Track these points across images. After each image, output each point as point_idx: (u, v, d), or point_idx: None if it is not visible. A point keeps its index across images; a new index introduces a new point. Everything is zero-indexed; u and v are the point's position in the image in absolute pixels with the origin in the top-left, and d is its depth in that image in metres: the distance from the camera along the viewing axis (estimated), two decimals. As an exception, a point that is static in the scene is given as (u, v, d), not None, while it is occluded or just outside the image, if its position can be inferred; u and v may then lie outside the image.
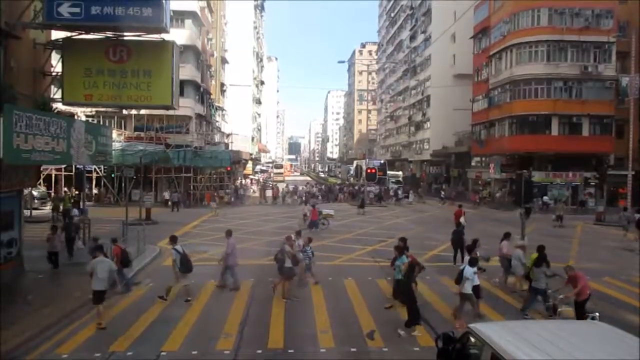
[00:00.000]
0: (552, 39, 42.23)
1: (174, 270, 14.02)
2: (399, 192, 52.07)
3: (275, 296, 14.19)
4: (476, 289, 12.38)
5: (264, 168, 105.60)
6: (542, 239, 24.15)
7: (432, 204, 48.31)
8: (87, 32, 19.19)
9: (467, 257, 13.35)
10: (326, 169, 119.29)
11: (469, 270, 12.19)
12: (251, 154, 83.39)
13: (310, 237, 17.02)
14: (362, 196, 43.62)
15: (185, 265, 13.95)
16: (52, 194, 35.52)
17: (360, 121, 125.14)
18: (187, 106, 42.18)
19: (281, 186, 54.21)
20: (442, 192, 51.52)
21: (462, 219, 24.03)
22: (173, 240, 14.40)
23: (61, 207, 29.56)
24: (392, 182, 62.12)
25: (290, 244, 15.05)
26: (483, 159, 53.32)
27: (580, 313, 11.37)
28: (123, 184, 36.74)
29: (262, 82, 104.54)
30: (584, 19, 41.87)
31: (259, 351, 10.34)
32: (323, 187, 63.50)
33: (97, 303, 11.84)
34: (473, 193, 46.98)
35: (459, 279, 12.33)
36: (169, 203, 38.04)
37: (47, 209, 33.04)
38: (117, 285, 13.80)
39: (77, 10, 17.23)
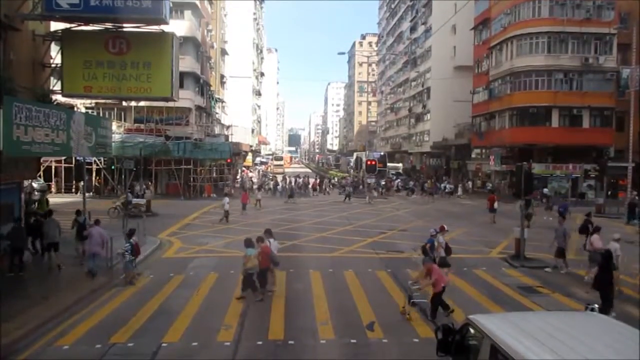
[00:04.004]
0: (552, 31, 42.03)
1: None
2: (447, 185, 50.74)
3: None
4: None
5: (264, 160, 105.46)
6: (542, 231, 24.29)
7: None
8: (86, 24, 19.17)
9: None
10: (334, 161, 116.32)
11: None
12: (251, 146, 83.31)
13: (132, 231, 15.81)
14: (289, 186, 44.45)
15: (79, 234, 16.98)
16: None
17: (360, 113, 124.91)
18: (186, 98, 42.04)
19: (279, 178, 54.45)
20: (489, 185, 49.35)
21: (495, 204, 29.17)
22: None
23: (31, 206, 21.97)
24: (392, 173, 62.19)
25: (442, 235, 15.10)
26: (483, 150, 53.30)
27: (435, 305, 11.77)
28: (123, 176, 36.75)
29: (262, 74, 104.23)
30: (585, 10, 41.64)
31: (260, 342, 10.38)
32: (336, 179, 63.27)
33: (48, 251, 15.93)
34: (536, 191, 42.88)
35: None
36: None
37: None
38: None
39: (76, 1, 17.23)
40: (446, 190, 48.35)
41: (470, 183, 53.24)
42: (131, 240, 14.96)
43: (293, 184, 47.05)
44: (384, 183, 50.59)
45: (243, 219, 28.70)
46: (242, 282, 13.35)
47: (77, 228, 17.30)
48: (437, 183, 51.77)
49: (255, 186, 46.58)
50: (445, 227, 16.11)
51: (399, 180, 57.07)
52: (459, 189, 48.57)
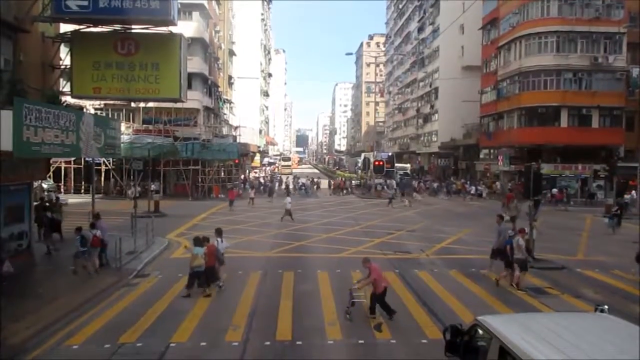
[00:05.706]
0: (561, 30, 41.78)
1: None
2: (477, 187, 48.45)
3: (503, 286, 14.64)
4: None
5: (272, 160, 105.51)
6: (551, 232, 24.18)
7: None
8: (95, 25, 19.30)
9: None
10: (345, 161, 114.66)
11: None
12: (259, 147, 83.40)
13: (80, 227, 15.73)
14: (270, 185, 47.34)
15: (48, 229, 18.45)
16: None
17: (368, 113, 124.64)
18: (195, 99, 42.24)
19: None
20: (510, 184, 46.08)
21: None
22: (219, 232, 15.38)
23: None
24: (400, 174, 62.04)
25: (522, 236, 15.09)
26: (491, 151, 53.05)
27: (373, 303, 11.74)
28: (132, 177, 36.93)
29: (270, 75, 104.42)
30: (594, 9, 41.37)
31: (267, 343, 10.39)
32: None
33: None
34: (559, 192, 40.06)
35: None
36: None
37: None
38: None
39: (85, 3, 17.35)
40: (472, 193, 46.67)
41: (498, 184, 50.10)
42: (82, 232, 15.33)
43: (271, 183, 50.20)
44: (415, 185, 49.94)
45: (252, 220, 28.73)
46: (187, 280, 13.75)
47: (48, 223, 18.58)
48: (466, 184, 50.10)
49: (247, 186, 47.96)
50: (526, 229, 15.83)
51: (425, 182, 56.57)
52: (484, 190, 47.09)
